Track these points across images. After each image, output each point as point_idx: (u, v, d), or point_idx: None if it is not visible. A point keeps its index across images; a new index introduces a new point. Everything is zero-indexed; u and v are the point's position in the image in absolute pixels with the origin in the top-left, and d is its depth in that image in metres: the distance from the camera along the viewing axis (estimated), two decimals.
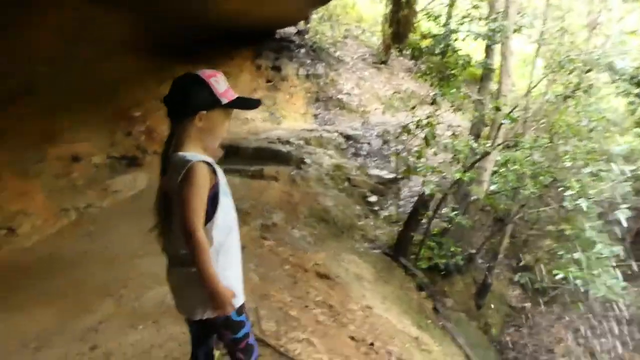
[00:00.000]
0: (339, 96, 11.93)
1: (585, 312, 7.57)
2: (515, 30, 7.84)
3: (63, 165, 6.29)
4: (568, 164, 6.82)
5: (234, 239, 2.05)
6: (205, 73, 1.96)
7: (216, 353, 2.37)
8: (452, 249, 7.10)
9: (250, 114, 10.20)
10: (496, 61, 8.25)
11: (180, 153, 1.91)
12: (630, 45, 9.19)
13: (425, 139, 6.71)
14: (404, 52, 12.58)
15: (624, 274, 6.93)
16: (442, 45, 7.97)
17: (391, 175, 8.53)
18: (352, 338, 3.99)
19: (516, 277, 7.87)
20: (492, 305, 7.62)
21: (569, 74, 7.83)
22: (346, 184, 8.26)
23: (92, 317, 3.79)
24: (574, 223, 6.64)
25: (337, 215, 7.23)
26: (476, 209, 8.02)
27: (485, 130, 8.27)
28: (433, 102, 7.25)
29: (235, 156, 8.07)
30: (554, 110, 8.25)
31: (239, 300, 2.00)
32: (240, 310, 2.01)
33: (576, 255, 6.29)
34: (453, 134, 8.01)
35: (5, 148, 5.33)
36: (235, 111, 2.10)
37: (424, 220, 7.06)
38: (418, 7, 12.03)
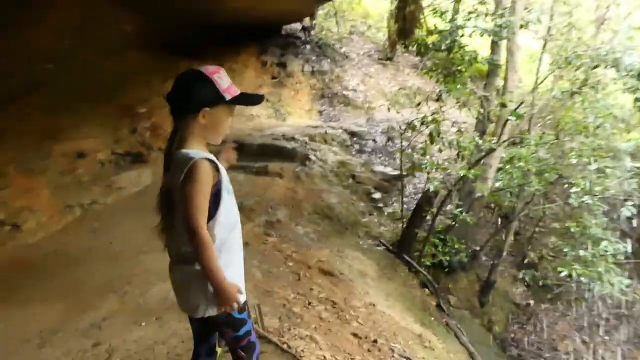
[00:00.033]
0: (344, 92, 11.91)
1: (589, 309, 7.55)
2: (521, 26, 7.77)
3: (68, 162, 6.32)
4: (574, 160, 6.78)
5: (237, 236, 2.05)
6: (208, 69, 1.94)
7: (218, 350, 2.38)
8: (456, 246, 7.08)
9: (255, 110, 10.21)
10: (502, 57, 8.19)
11: (184, 150, 1.90)
12: (638, 41, 9.10)
13: (430, 135, 6.67)
14: (409, 48, 12.53)
15: (629, 271, 6.92)
16: (448, 41, 7.93)
17: (396, 172, 8.50)
18: (355, 335, 4.00)
19: (520, 275, 7.85)
20: (496, 303, 7.60)
21: (576, 70, 7.76)
22: (350, 180, 8.25)
23: (95, 314, 3.81)
24: (579, 220, 6.61)
25: (341, 212, 7.22)
26: (481, 206, 7.99)
27: (491, 127, 8.22)
28: (438, 99, 7.21)
29: (240, 152, 8.03)
30: (560, 107, 8.20)
31: (243, 297, 2.00)
32: (242, 308, 2.02)
33: (581, 253, 6.27)
34: (458, 131, 7.97)
35: (10, 145, 5.35)
36: (240, 107, 2.09)
37: (428, 217, 7.03)
38: (424, 3, 11.95)
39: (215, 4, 6.70)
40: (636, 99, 7.60)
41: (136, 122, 7.50)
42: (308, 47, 12.38)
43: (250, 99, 2.08)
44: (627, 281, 6.15)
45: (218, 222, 1.91)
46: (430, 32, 9.44)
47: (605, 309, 7.53)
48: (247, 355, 2.09)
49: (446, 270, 7.26)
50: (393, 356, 3.90)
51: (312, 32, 12.79)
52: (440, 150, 7.02)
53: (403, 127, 7.38)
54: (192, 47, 7.82)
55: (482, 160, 7.08)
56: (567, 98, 7.83)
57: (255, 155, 8.06)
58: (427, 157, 7.22)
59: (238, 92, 1.99)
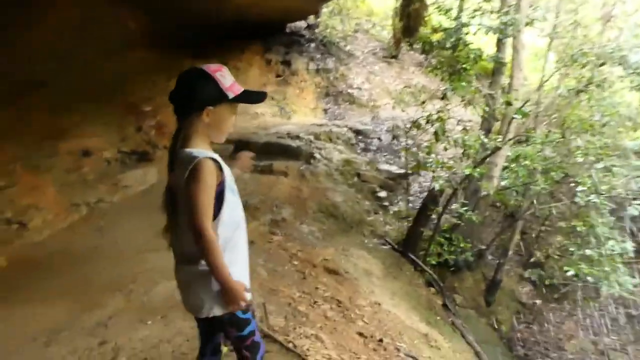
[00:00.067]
0: (349, 91, 11.90)
1: (596, 309, 7.51)
2: (527, 24, 7.74)
3: (74, 160, 6.34)
4: (580, 159, 6.75)
5: (241, 235, 2.04)
6: (211, 67, 1.93)
7: (224, 349, 2.37)
8: (462, 245, 7.06)
9: (260, 108, 10.21)
10: (508, 55, 8.16)
11: (187, 149, 1.89)
12: None
13: (436, 134, 6.65)
14: (414, 46, 12.47)
15: (637, 270, 6.88)
16: (453, 39, 7.88)
17: (401, 171, 8.48)
18: (361, 334, 3.99)
19: (527, 274, 7.83)
20: (502, 302, 7.58)
21: (582, 67, 7.72)
22: (355, 179, 8.23)
23: (101, 312, 3.81)
24: (585, 219, 6.57)
25: (346, 211, 7.21)
26: (486, 205, 7.96)
27: (496, 125, 8.19)
28: (443, 97, 7.18)
29: (245, 151, 8.06)
30: (566, 105, 8.16)
31: (249, 295, 1.99)
32: (246, 308, 2.01)
33: (588, 252, 6.24)
34: (464, 129, 7.91)
35: (17, 143, 5.37)
36: (245, 105, 2.08)
37: (433, 216, 7.01)
38: (429, 1, 11.92)
39: (219, 2, 6.70)
40: None
41: (141, 121, 7.52)
42: (313, 45, 12.38)
43: (253, 97, 2.07)
44: (635, 280, 6.11)
45: (221, 222, 1.90)
46: (435, 30, 9.39)
47: (613, 309, 7.49)
48: (251, 355, 2.08)
49: (452, 269, 7.25)
50: (399, 355, 3.89)
51: (317, 30, 12.78)
52: (445, 149, 7.01)
53: (408, 126, 7.38)
54: (196, 46, 7.83)
55: (488, 159, 7.04)
56: (573, 96, 7.78)
57: (260, 154, 8.02)
58: (433, 155, 7.20)
59: (241, 90, 1.98)
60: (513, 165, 7.09)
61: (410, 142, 7.67)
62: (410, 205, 7.48)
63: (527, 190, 7.45)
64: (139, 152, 7.33)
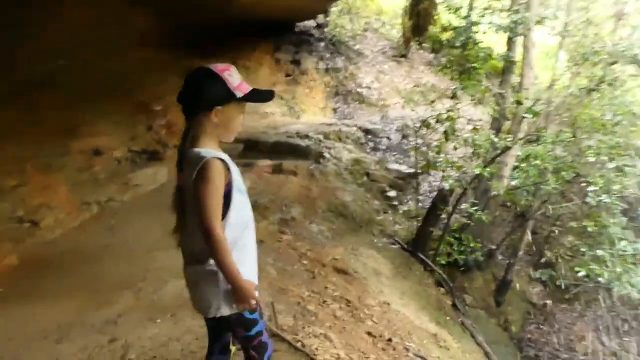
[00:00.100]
0: (359, 90, 11.88)
1: (608, 310, 7.44)
2: (537, 22, 7.70)
3: (85, 159, 6.37)
4: (592, 158, 6.70)
5: (250, 235, 2.04)
6: (218, 67, 1.92)
7: (232, 348, 2.38)
8: (472, 244, 7.04)
9: (269, 108, 10.22)
10: (518, 54, 8.12)
11: (196, 149, 1.89)
12: None
13: (445, 133, 6.63)
14: (424, 45, 12.46)
15: None
16: (462, 38, 7.87)
17: (410, 170, 8.46)
18: (370, 333, 3.98)
19: (537, 274, 7.78)
20: (513, 302, 7.53)
21: (594, 66, 7.67)
22: (365, 178, 8.23)
23: (111, 310, 3.84)
24: (597, 219, 6.53)
25: (356, 210, 7.20)
26: (496, 205, 7.92)
27: (507, 125, 8.15)
28: (453, 96, 7.16)
29: (255, 150, 8.10)
30: (577, 104, 8.10)
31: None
32: (254, 308, 2.01)
33: (599, 252, 6.19)
34: (473, 128, 7.88)
35: (28, 142, 5.41)
36: (254, 105, 2.08)
37: (443, 216, 6.99)
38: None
39: (224, 1, 6.71)
40: None
41: (152, 120, 7.55)
42: (322, 44, 12.37)
43: (261, 95, 2.05)
44: None
45: (228, 222, 1.90)
46: (444, 29, 9.38)
47: (624, 310, 7.42)
48: (258, 355, 2.09)
49: (462, 269, 7.22)
50: (408, 355, 3.88)
51: (326, 29, 12.77)
52: (455, 148, 6.98)
53: (417, 125, 7.35)
54: (206, 45, 7.84)
55: (498, 158, 7.01)
56: (585, 95, 7.73)
57: (270, 153, 8.07)
58: (442, 155, 7.18)
59: (249, 89, 1.97)
60: (523, 164, 7.05)
61: (419, 141, 7.64)
62: (420, 204, 7.45)
63: (538, 190, 7.41)
64: (150, 151, 7.36)
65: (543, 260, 8.11)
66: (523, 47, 7.83)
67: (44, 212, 5.58)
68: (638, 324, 7.32)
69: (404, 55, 13.45)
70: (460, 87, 7.18)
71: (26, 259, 5.02)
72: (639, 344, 7.09)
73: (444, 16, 11.72)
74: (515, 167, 7.47)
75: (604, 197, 6.23)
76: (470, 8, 10.44)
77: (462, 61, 7.91)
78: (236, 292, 1.88)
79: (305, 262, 5.12)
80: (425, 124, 7.03)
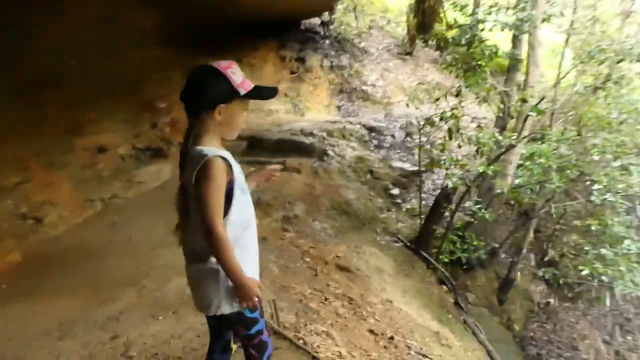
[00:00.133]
0: (363, 87, 11.87)
1: (611, 309, 7.42)
2: (544, 20, 7.65)
3: (89, 156, 6.40)
4: (596, 157, 6.68)
5: (251, 234, 2.03)
6: (221, 64, 1.91)
7: (234, 347, 2.39)
8: (475, 243, 7.02)
9: (273, 105, 10.23)
10: (524, 51, 8.07)
11: (198, 147, 1.89)
12: None
13: (449, 131, 6.61)
14: (429, 42, 12.40)
15: None
16: (468, 36, 7.81)
17: (414, 168, 8.45)
18: (372, 331, 3.98)
19: (540, 273, 7.75)
20: (516, 301, 7.52)
21: (600, 64, 7.62)
22: (368, 176, 8.22)
23: (114, 307, 3.85)
24: (601, 218, 6.51)
25: (359, 208, 7.20)
26: (500, 203, 7.90)
27: (511, 123, 8.12)
28: (458, 94, 7.14)
29: (258, 147, 8.12)
30: (583, 102, 8.07)
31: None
32: (254, 307, 2.01)
33: (603, 251, 6.17)
34: (478, 127, 7.85)
35: (32, 139, 5.43)
36: (259, 102, 2.09)
37: (446, 214, 6.97)
38: None
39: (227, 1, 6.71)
40: None
41: (156, 117, 7.57)
42: (327, 42, 12.36)
43: (264, 92, 2.04)
44: None
45: (230, 221, 1.89)
46: (450, 27, 9.31)
47: (627, 309, 7.40)
48: (258, 354, 2.09)
49: (464, 267, 7.21)
50: (410, 353, 3.88)
51: (331, 27, 12.76)
52: (459, 146, 6.96)
53: (422, 123, 7.34)
54: (211, 43, 7.86)
55: (502, 157, 6.99)
56: (590, 93, 7.69)
57: (274, 150, 8.08)
58: (446, 153, 7.17)
59: (252, 86, 1.96)
60: (528, 163, 7.03)
61: (423, 139, 7.62)
62: (423, 202, 7.43)
63: (542, 188, 7.39)
64: (154, 148, 7.38)
65: (546, 258, 8.09)
66: (529, 44, 7.79)
67: (47, 209, 5.61)
68: None
69: (409, 53, 13.43)
70: (465, 85, 7.15)
71: (29, 256, 5.05)
72: None
73: (449, 14, 11.66)
74: (519, 166, 7.44)
75: (609, 196, 6.20)
76: (476, 6, 10.40)
77: (467, 59, 7.85)
78: (239, 289, 1.88)
79: (307, 259, 5.13)
80: (429, 121, 7.01)
